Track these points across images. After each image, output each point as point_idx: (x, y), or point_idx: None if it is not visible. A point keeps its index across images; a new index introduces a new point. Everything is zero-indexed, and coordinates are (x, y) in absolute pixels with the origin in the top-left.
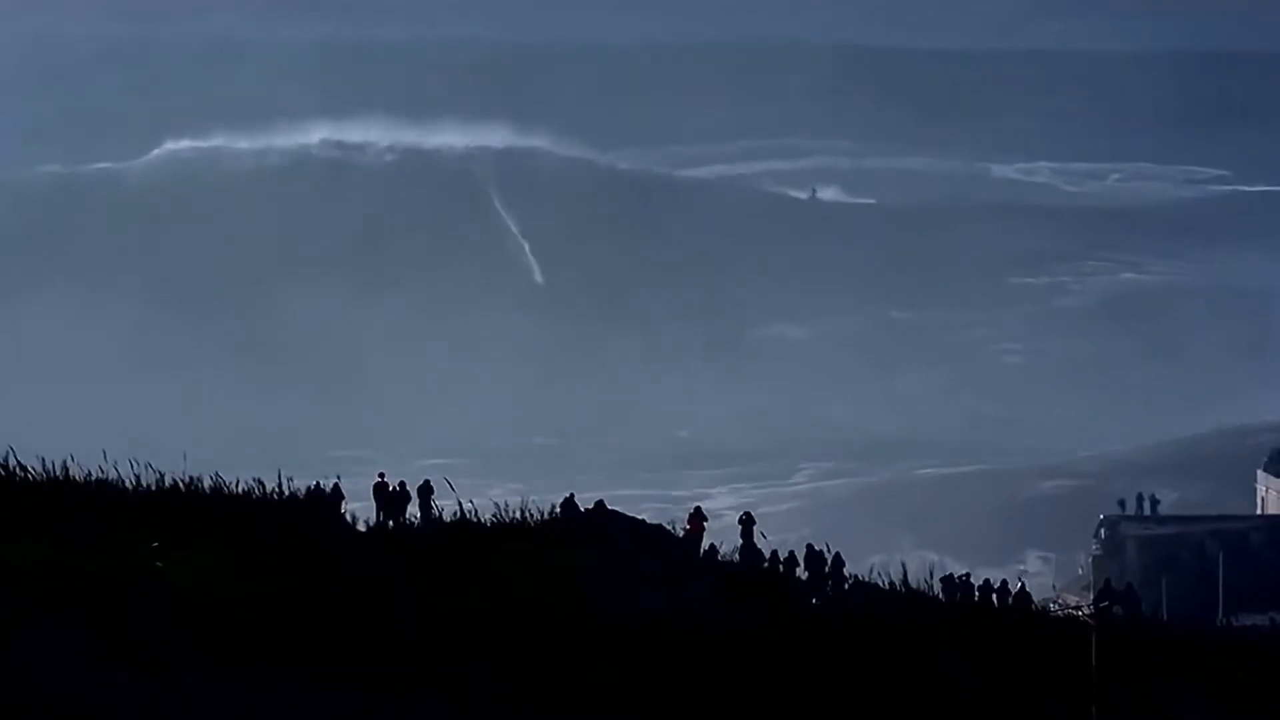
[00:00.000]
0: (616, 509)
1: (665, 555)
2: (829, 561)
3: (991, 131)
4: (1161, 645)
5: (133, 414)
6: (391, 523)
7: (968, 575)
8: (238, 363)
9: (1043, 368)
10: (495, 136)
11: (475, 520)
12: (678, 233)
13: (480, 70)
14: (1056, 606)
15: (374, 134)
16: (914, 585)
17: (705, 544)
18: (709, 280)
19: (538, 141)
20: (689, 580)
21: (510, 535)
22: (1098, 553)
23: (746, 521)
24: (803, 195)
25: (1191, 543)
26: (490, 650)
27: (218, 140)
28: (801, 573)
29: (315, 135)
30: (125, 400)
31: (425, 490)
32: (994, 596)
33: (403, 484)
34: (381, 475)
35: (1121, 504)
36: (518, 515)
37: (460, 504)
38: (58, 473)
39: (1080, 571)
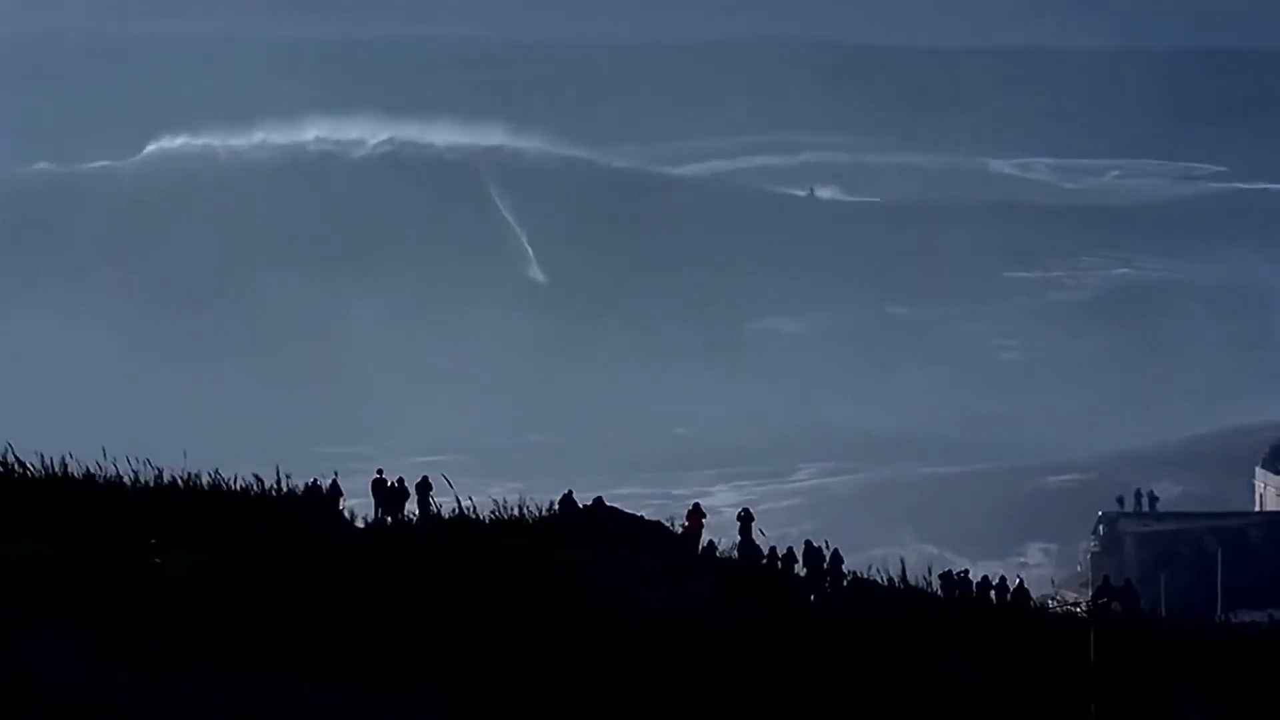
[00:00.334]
0: (615, 505)
1: (663, 552)
2: (827, 558)
3: (989, 128)
4: (1160, 642)
5: (128, 411)
6: (390, 519)
7: (966, 572)
8: (233, 359)
9: (1040, 364)
10: (491, 134)
11: (474, 517)
12: (674, 230)
13: (476, 68)
14: (1055, 603)
15: (369, 131)
16: (912, 582)
17: (704, 541)
18: (705, 277)
19: (533, 139)
20: (687, 577)
21: (508, 532)
22: (1096, 549)
23: (745, 518)
24: (800, 193)
25: (1190, 539)
26: (489, 647)
27: (212, 137)
28: (800, 569)
29: (310, 132)
30: (121, 398)
31: (424, 487)
32: (992, 593)
33: (401, 480)
34: (380, 472)
35: (1120, 500)
36: (516, 512)
37: (459, 501)
38: (56, 470)
39: (1079, 569)
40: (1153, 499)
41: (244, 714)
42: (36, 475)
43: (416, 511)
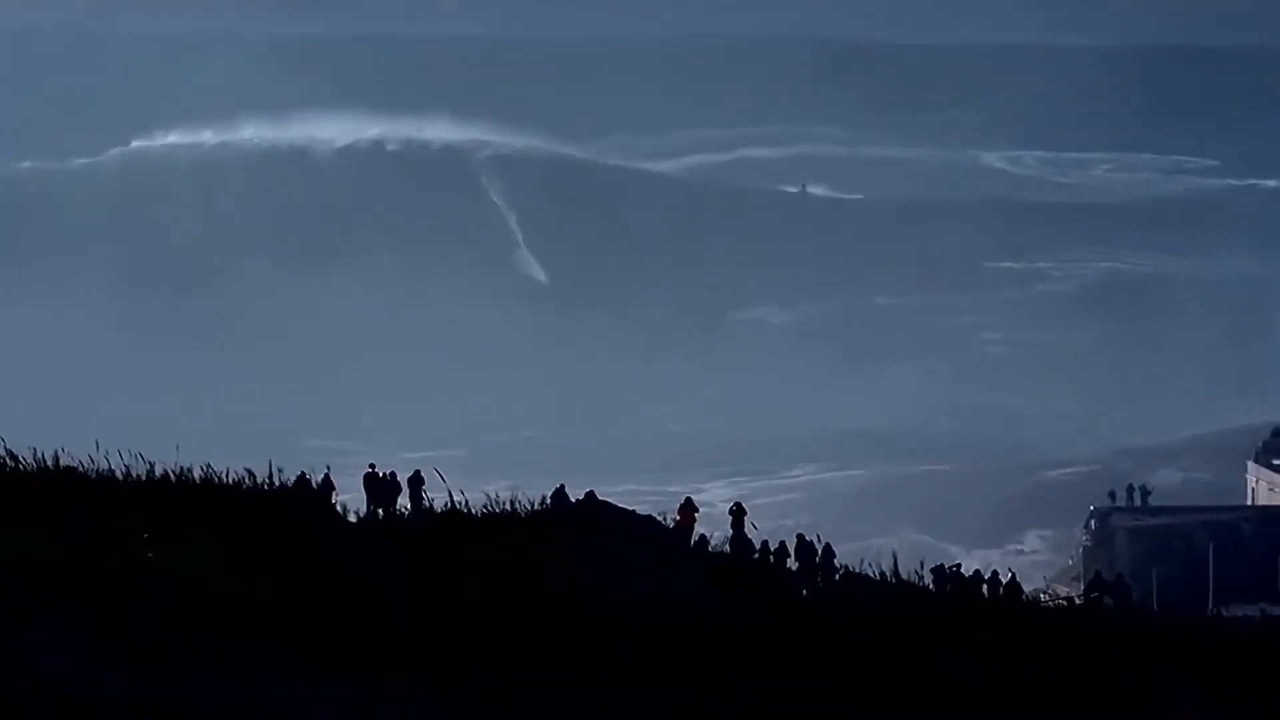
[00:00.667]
0: (607, 500)
1: (656, 545)
2: (819, 552)
3: (980, 121)
4: (1152, 635)
5: (118, 405)
6: (382, 513)
7: (958, 566)
8: (223, 354)
9: (1029, 357)
10: (483, 129)
11: (466, 511)
12: (663, 224)
13: (467, 64)
14: (1047, 597)
15: (358, 127)
16: (904, 576)
17: (696, 535)
18: (693, 270)
19: (525, 134)
20: (680, 570)
21: (501, 526)
22: (1088, 543)
23: (737, 512)
24: (792, 189)
25: (1182, 533)
26: (483, 641)
27: (200, 133)
28: (792, 563)
29: (299, 128)
30: (111, 392)
31: (416, 481)
32: (984, 587)
33: (393, 474)
34: (372, 466)
35: (1112, 495)
36: (508, 506)
37: (451, 495)
38: (49, 464)
39: (1070, 562)
40: (1144, 493)
41: (239, 707)
42: (29, 468)
43: (409, 506)
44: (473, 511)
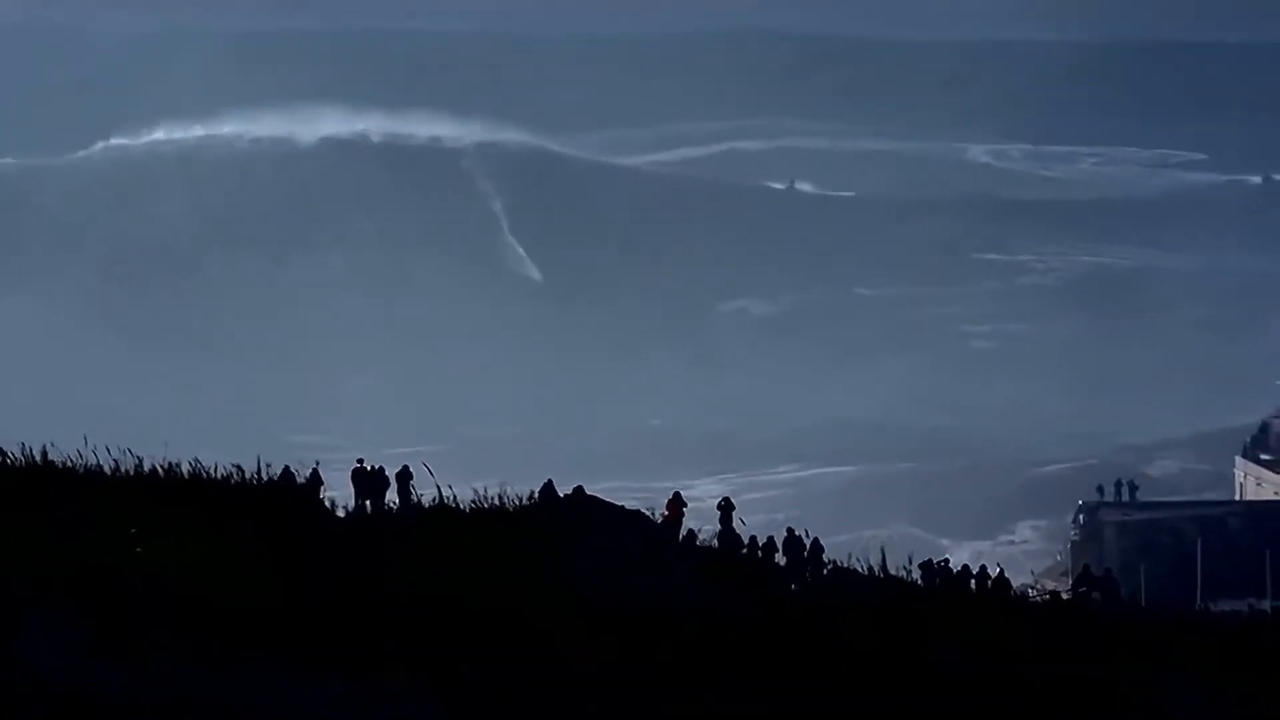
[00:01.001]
0: (595, 494)
1: (644, 540)
2: (807, 547)
3: (965, 115)
4: (1139, 629)
5: (101, 401)
6: (370, 507)
7: (946, 561)
8: (206, 349)
9: (1014, 351)
10: (468, 125)
11: (455, 506)
12: (647, 219)
13: (453, 60)
14: (1035, 592)
15: (342, 121)
16: (892, 571)
17: (684, 529)
18: (676, 263)
19: (510, 129)
20: (668, 565)
21: (491, 521)
22: (1076, 538)
23: (725, 507)
24: (779, 186)
25: (1170, 528)
26: (475, 636)
27: (183, 128)
28: (780, 558)
29: (283, 124)
30: (94, 388)
31: (404, 476)
32: (972, 582)
33: (381, 469)
34: (360, 461)
35: (1100, 489)
36: (497, 501)
37: (439, 490)
38: (37, 459)
39: (1059, 558)
40: (1133, 488)
41: (229, 704)
42: (17, 464)
43: (397, 501)
44: (461, 506)
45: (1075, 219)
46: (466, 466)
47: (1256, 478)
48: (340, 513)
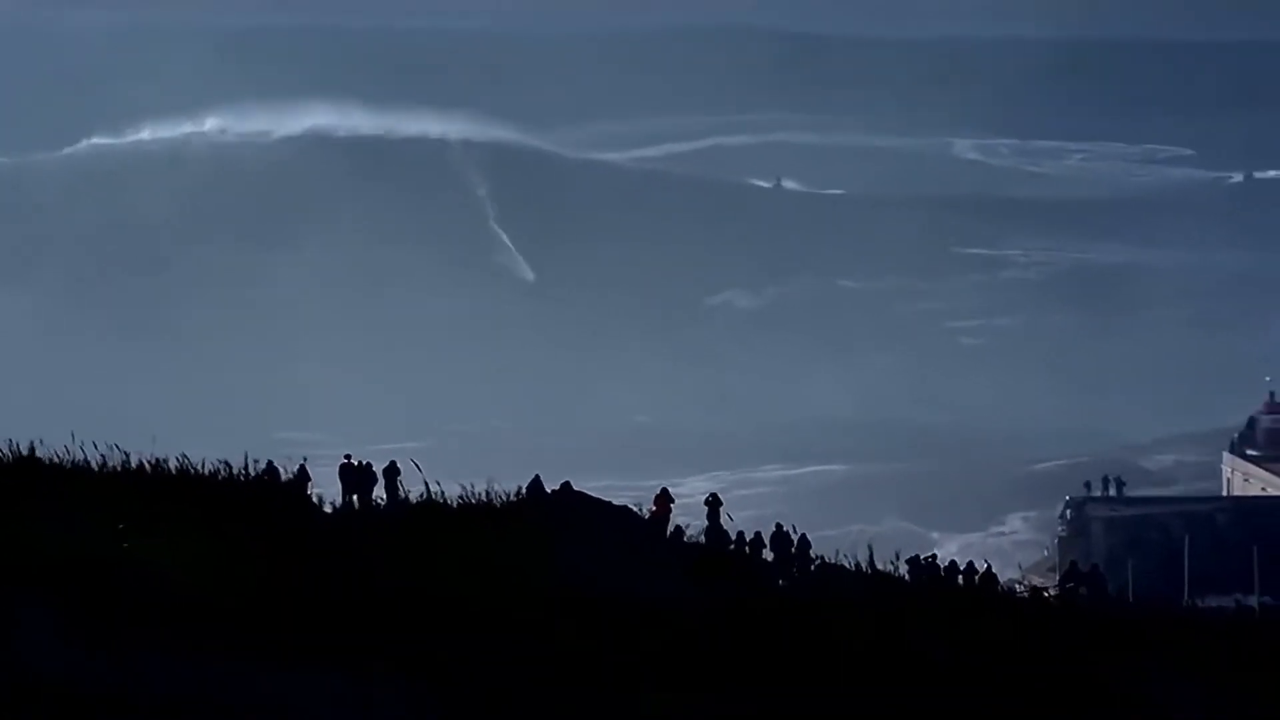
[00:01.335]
0: (582, 490)
1: (631, 535)
2: (795, 543)
3: (953, 111)
4: (1127, 626)
5: (87, 397)
6: (357, 502)
7: (933, 556)
8: (192, 346)
9: (1000, 346)
10: (452, 120)
11: (442, 501)
12: (632, 214)
13: (439, 56)
14: (1022, 588)
15: (327, 116)
16: (880, 567)
17: (671, 525)
18: (662, 259)
19: (497, 125)
20: (655, 560)
21: (478, 516)
22: (1063, 534)
23: (713, 503)
24: (766, 184)
25: (1157, 524)
26: (464, 631)
27: (168, 126)
28: (767, 554)
29: (267, 120)
30: (80, 383)
31: (391, 471)
32: (959, 578)
33: (369, 465)
34: (348, 456)
35: (1087, 485)
36: (484, 496)
37: (427, 485)
38: (24, 453)
39: (1046, 553)
40: (1120, 484)
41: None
42: (4, 459)
43: (384, 496)
44: (449, 502)
45: (1062, 214)
46: (454, 462)
47: (1244, 473)
48: (328, 508)
